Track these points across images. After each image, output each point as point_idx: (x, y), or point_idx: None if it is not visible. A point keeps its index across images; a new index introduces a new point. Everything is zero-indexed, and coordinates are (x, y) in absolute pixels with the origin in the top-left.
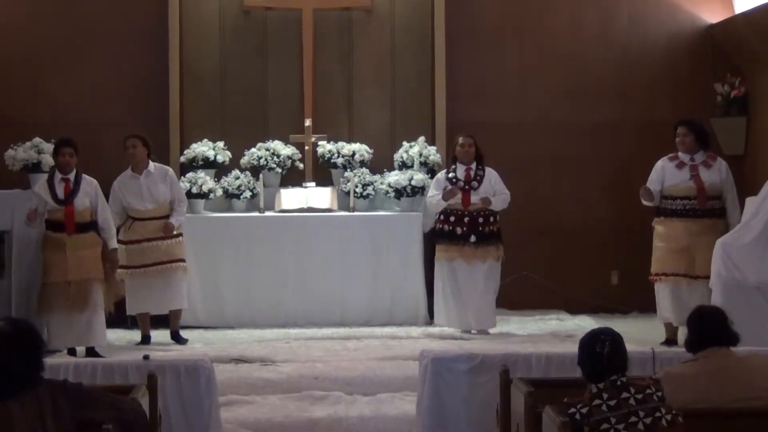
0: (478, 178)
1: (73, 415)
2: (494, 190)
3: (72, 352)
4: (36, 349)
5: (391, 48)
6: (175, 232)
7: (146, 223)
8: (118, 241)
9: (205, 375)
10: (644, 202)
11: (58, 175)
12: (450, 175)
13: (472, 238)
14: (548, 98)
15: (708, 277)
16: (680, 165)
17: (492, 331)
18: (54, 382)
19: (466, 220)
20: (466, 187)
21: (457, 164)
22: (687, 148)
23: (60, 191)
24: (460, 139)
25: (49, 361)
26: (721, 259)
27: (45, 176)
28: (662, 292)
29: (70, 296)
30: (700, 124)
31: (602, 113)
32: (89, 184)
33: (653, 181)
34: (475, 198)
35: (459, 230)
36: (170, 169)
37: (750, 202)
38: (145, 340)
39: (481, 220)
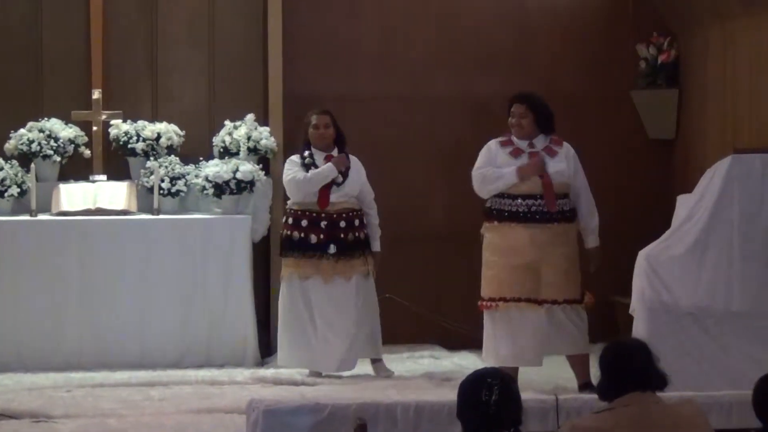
0: (344, 169)
1: None
2: (361, 188)
3: None
4: None
5: None
6: None
7: None
8: None
9: None
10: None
11: None
12: (306, 161)
13: (331, 249)
14: (419, 66)
15: (555, 302)
16: (516, 152)
17: (346, 373)
18: None
19: (323, 225)
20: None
21: (313, 150)
22: (524, 133)
23: None
24: (314, 118)
25: None
26: (646, 276)
27: None
28: (500, 323)
29: None
30: (541, 101)
31: (491, 85)
32: None
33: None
34: (339, 195)
35: (314, 238)
36: None
37: (682, 201)
38: None
39: (343, 224)
